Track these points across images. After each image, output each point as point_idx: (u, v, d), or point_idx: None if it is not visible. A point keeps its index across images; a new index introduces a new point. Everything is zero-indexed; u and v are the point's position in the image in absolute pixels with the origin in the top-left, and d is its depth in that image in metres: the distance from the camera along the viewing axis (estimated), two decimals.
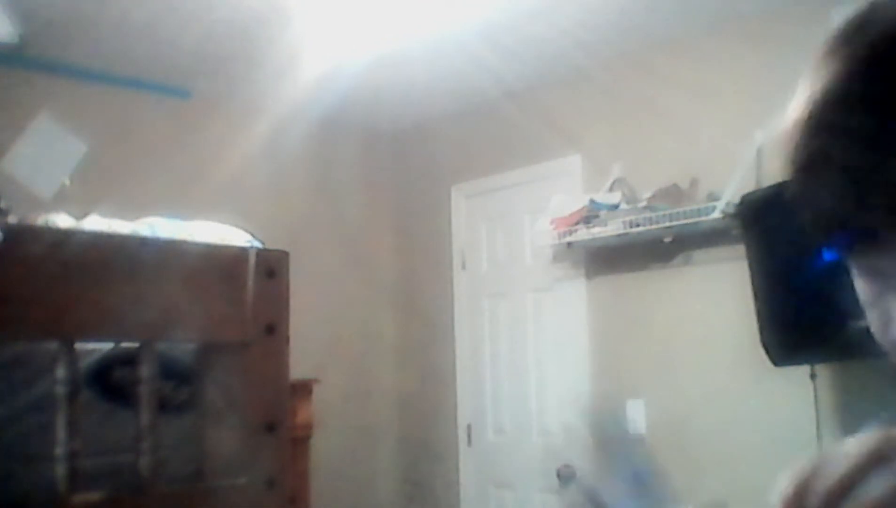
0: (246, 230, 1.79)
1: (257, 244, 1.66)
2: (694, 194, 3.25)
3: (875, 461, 0.38)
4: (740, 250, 2.95)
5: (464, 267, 4.35)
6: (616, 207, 3.42)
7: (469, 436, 4.25)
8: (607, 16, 3.23)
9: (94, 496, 1.22)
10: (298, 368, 1.63)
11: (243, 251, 1.42)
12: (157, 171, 3.76)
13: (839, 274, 0.41)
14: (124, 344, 1.39)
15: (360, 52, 3.40)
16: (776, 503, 0.41)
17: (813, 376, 2.86)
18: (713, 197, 3.12)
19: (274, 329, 1.37)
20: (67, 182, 3.10)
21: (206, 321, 1.32)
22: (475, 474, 4.22)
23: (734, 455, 3.19)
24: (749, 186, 3.03)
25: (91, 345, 1.38)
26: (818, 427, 2.90)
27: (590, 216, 3.43)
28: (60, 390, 1.20)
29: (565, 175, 3.85)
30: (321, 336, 4.14)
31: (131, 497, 1.25)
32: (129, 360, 1.30)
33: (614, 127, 3.69)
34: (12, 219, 1.71)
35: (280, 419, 1.36)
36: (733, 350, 3.15)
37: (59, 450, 1.19)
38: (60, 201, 2.76)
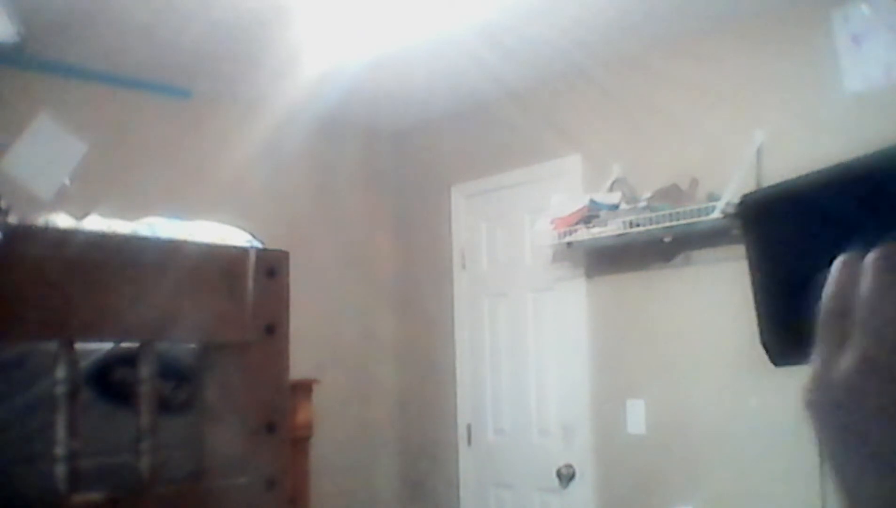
0: (246, 230, 1.79)
1: (257, 244, 1.65)
2: (694, 193, 3.25)
3: None
4: (740, 250, 2.92)
5: (464, 267, 4.35)
6: (616, 207, 3.42)
7: (469, 436, 4.25)
8: (607, 16, 3.23)
9: (94, 496, 1.22)
10: (298, 368, 1.63)
11: (243, 251, 1.42)
12: (157, 171, 3.76)
13: None
14: (124, 344, 1.39)
15: (360, 52, 3.40)
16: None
17: None
18: (713, 197, 3.12)
19: (274, 329, 1.37)
20: (67, 182, 3.10)
21: (206, 321, 1.32)
22: (475, 474, 4.22)
23: (734, 455, 3.19)
24: (749, 187, 3.03)
25: (91, 345, 1.38)
26: None
27: (590, 216, 3.44)
28: (60, 390, 1.20)
29: (565, 175, 3.85)
30: (321, 336, 4.14)
31: (131, 497, 1.25)
32: (129, 360, 1.30)
33: (614, 127, 3.69)
34: (12, 219, 1.71)
35: (280, 419, 1.36)
36: (733, 350, 3.15)
37: (59, 450, 1.18)
38: (60, 201, 2.76)
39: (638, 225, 3.25)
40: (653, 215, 3.23)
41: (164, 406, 1.35)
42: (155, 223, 1.73)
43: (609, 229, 3.34)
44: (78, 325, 1.20)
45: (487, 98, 4.07)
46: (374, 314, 4.62)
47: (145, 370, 1.27)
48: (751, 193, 0.49)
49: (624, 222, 3.28)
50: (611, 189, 3.58)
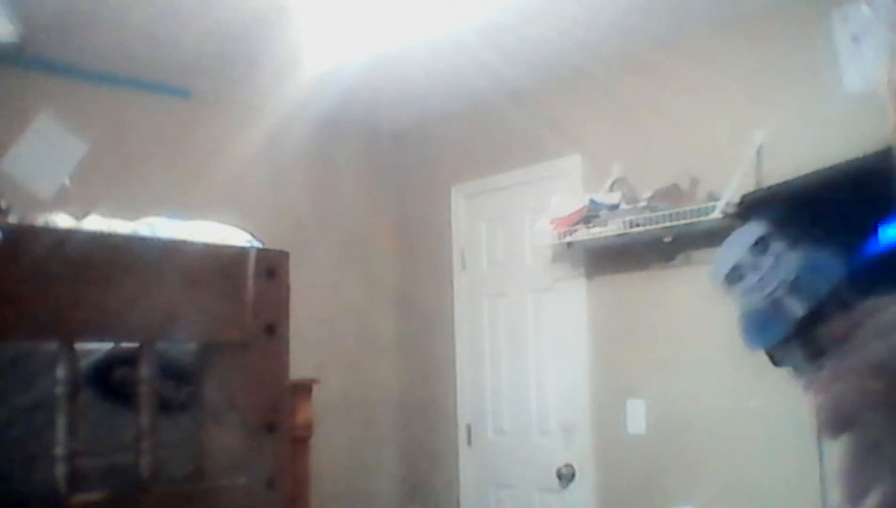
0: (246, 230, 1.79)
1: (257, 244, 1.65)
2: (694, 193, 3.25)
3: None
4: None
5: (464, 267, 4.35)
6: (616, 207, 3.42)
7: (469, 436, 4.25)
8: (607, 16, 3.23)
9: (94, 496, 1.22)
10: (298, 368, 1.63)
11: (243, 251, 1.42)
12: (157, 171, 3.76)
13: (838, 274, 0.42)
14: (124, 344, 1.39)
15: (360, 52, 3.40)
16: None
17: None
18: (713, 197, 3.12)
19: (274, 329, 1.37)
20: (67, 182, 3.10)
21: (206, 321, 1.32)
22: (475, 474, 4.22)
23: (734, 455, 3.19)
24: (749, 186, 3.03)
25: (91, 345, 1.38)
26: (818, 427, 2.89)
27: (590, 216, 3.44)
28: (60, 390, 1.20)
29: (565, 175, 3.85)
30: (321, 336, 4.14)
31: (131, 497, 1.25)
32: (129, 360, 1.30)
33: (614, 127, 3.69)
34: (12, 219, 1.71)
35: (280, 419, 1.36)
36: (733, 350, 3.15)
37: (59, 450, 1.18)
38: (60, 201, 2.76)
39: (638, 225, 3.25)
40: (653, 215, 3.23)
41: (164, 406, 1.35)
42: (155, 223, 1.73)
43: (609, 229, 3.34)
44: (78, 325, 1.20)
45: (487, 98, 4.07)
46: (374, 314, 4.62)
47: (145, 370, 1.27)
48: (751, 193, 0.50)
49: (624, 222, 3.28)
50: (611, 189, 3.58)
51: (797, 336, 0.41)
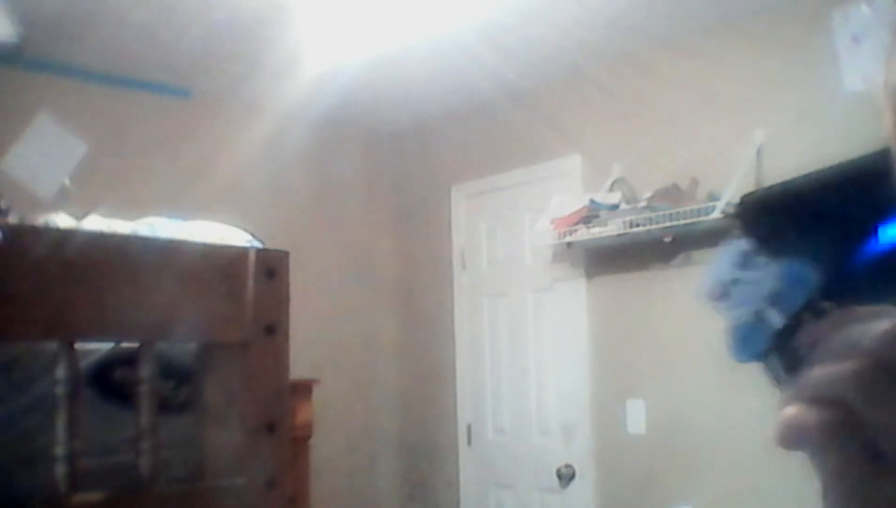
0: (246, 230, 1.79)
1: (257, 244, 1.65)
2: (694, 193, 3.25)
3: None
4: None
5: (464, 267, 4.35)
6: (616, 207, 3.42)
7: (469, 436, 4.25)
8: (607, 16, 3.23)
9: (94, 496, 1.22)
10: (298, 368, 1.63)
11: (243, 251, 1.42)
12: (157, 171, 3.76)
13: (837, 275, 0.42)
14: (124, 344, 1.39)
15: (360, 52, 3.40)
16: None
17: None
18: (713, 197, 3.12)
19: (274, 329, 1.37)
20: (67, 182, 3.10)
21: (206, 321, 1.32)
22: (475, 474, 4.22)
23: (734, 455, 3.19)
24: (749, 186, 3.03)
25: (91, 345, 1.38)
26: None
27: (590, 216, 3.44)
28: (60, 390, 1.20)
29: (565, 175, 3.85)
30: (321, 336, 4.14)
31: (131, 497, 1.25)
32: (129, 360, 1.30)
33: (614, 127, 3.69)
34: (12, 219, 1.71)
35: (280, 419, 1.36)
36: None
37: (59, 450, 1.18)
38: (60, 201, 2.76)
39: (638, 225, 3.25)
40: (653, 215, 3.23)
41: (164, 406, 1.35)
42: (155, 223, 1.73)
43: (609, 229, 3.34)
44: (78, 325, 1.20)
45: (487, 98, 4.07)
46: (375, 314, 4.62)
47: (145, 370, 1.27)
48: (750, 193, 0.50)
49: (624, 222, 3.28)
50: (611, 189, 3.58)
51: (776, 348, 0.41)
